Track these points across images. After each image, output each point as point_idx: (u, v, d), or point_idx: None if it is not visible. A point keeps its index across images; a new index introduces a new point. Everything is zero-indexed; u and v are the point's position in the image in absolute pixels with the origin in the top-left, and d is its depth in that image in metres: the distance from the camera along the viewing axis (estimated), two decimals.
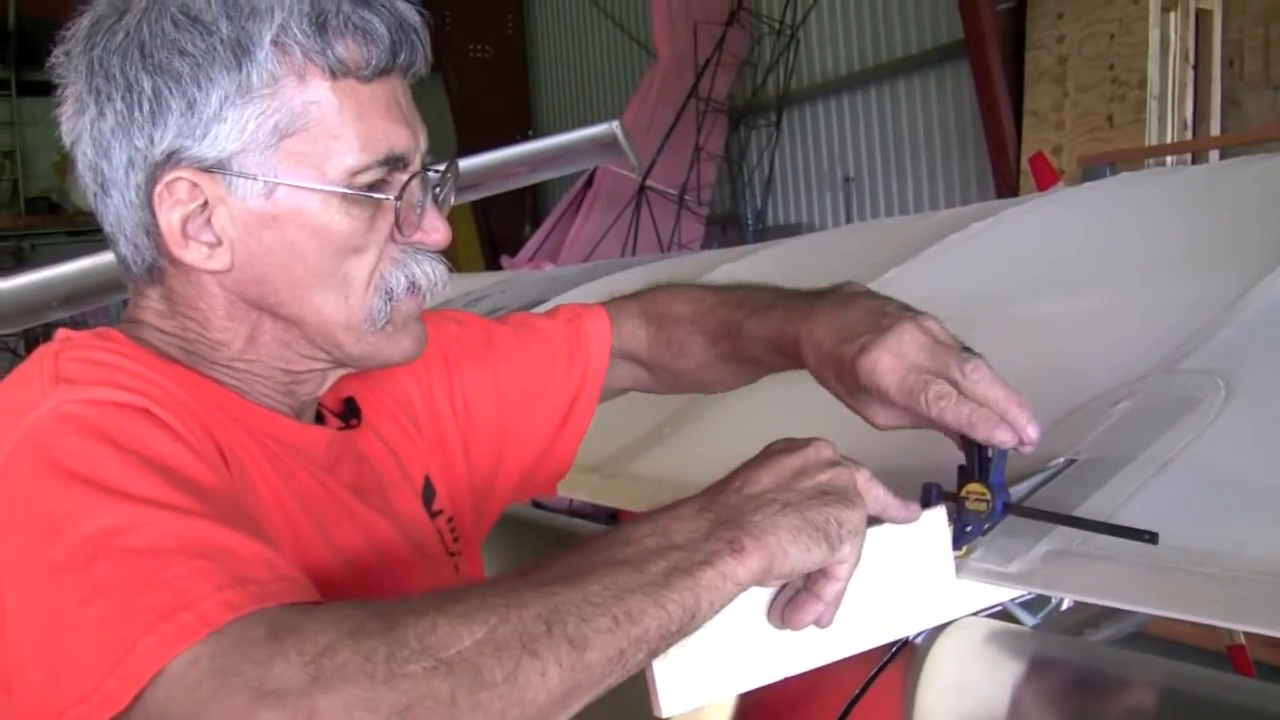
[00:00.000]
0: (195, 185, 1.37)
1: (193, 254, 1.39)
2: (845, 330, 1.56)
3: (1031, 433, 1.44)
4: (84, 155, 1.43)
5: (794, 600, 1.26)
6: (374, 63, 1.38)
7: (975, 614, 1.55)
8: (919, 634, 1.57)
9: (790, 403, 2.44)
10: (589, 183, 15.81)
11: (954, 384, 1.46)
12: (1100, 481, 1.53)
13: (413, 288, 1.46)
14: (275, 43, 1.34)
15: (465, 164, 9.38)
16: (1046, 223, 2.80)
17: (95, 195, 1.44)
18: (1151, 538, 1.34)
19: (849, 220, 14.56)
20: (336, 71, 1.36)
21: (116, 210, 1.42)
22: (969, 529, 1.52)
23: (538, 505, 3.91)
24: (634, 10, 18.48)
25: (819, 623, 1.27)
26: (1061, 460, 1.63)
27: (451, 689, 0.98)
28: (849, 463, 1.29)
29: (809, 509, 1.21)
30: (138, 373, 1.29)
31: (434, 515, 1.71)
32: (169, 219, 1.38)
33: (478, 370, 1.85)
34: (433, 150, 1.49)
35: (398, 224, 1.43)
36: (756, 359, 1.82)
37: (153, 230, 1.41)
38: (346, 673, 0.97)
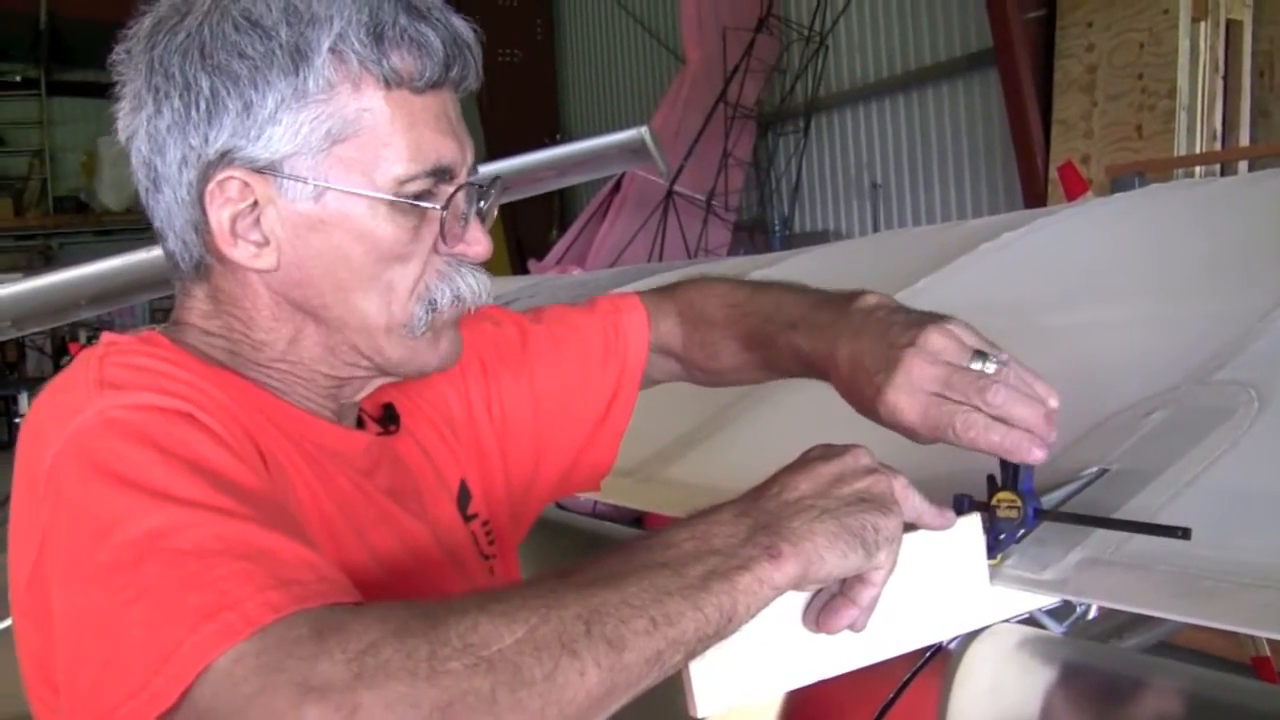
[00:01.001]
0: (246, 185, 1.39)
1: (240, 252, 1.41)
2: (859, 364, 1.60)
3: (1052, 436, 1.47)
4: (138, 151, 1.45)
5: (829, 605, 1.27)
6: (427, 75, 1.40)
7: (1005, 621, 1.57)
8: (953, 639, 1.59)
9: (824, 407, 2.45)
10: (616, 187, 15.82)
11: (977, 410, 1.47)
12: (1133, 491, 1.55)
13: (457, 300, 1.48)
14: (333, 50, 1.37)
15: (493, 167, 9.41)
16: (1078, 233, 2.81)
17: (147, 191, 1.46)
18: (1184, 534, 1.36)
19: (876, 227, 14.55)
20: (391, 82, 1.39)
21: (167, 206, 1.44)
22: (1002, 536, 1.54)
23: (560, 507, 3.93)
24: (663, 16, 18.50)
25: (853, 628, 1.28)
26: (1094, 470, 1.64)
27: (492, 686, 1.00)
28: (887, 470, 1.31)
29: (846, 515, 1.23)
30: (180, 377, 1.30)
31: (469, 519, 1.72)
32: (219, 216, 1.40)
33: (514, 375, 1.87)
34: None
35: (442, 235, 1.45)
36: (788, 370, 1.85)
37: (202, 227, 1.43)
38: (390, 669, 0.99)
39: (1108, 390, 1.88)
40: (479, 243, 1.48)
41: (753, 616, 1.17)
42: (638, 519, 6.56)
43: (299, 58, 1.36)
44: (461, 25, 1.46)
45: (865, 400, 1.58)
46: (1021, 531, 1.54)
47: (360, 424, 1.64)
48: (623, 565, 1.14)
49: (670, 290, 2.02)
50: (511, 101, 21.16)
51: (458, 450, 1.76)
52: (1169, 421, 1.69)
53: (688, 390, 2.93)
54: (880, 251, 3.97)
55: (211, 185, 1.40)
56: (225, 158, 1.39)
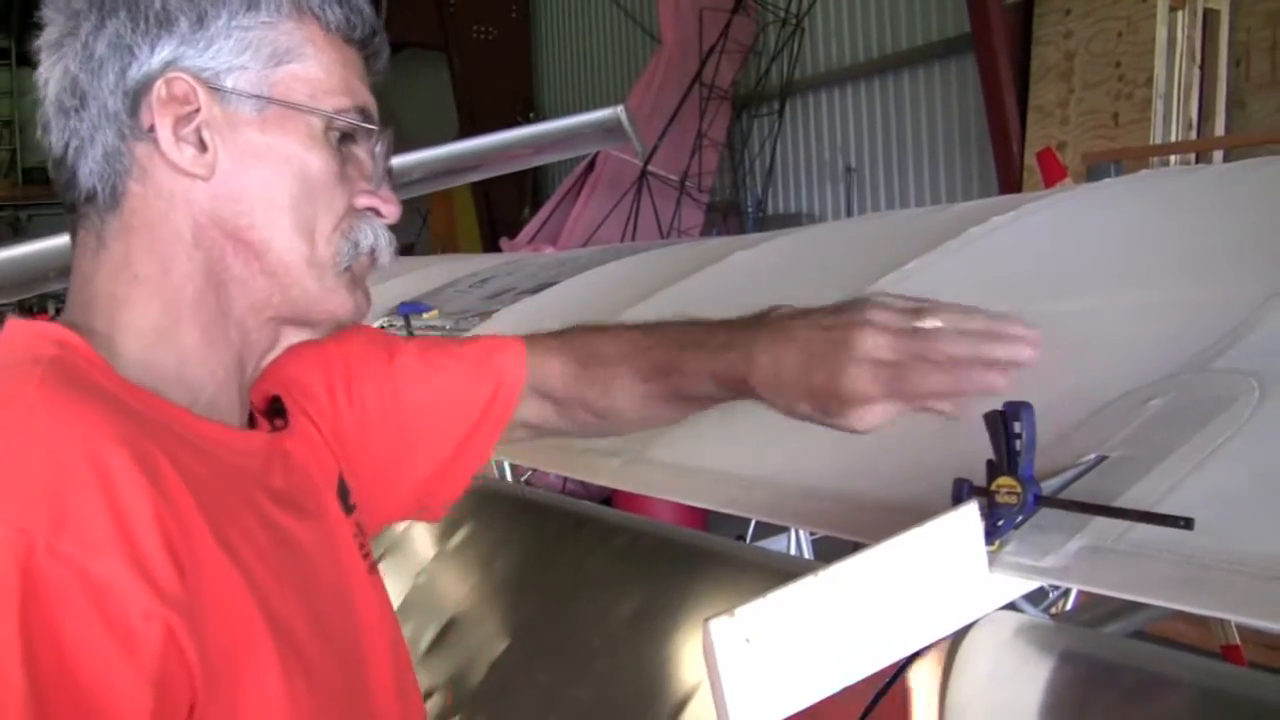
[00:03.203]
0: (192, 89, 1.41)
1: (181, 155, 1.41)
2: (803, 357, 1.61)
3: (1025, 353, 1.50)
4: (65, 72, 1.43)
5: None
6: (359, 31, 1.50)
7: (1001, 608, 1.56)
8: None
9: None
10: (590, 167, 15.83)
11: (926, 360, 1.52)
12: (1134, 478, 1.53)
13: (373, 250, 1.52)
14: None
15: (469, 145, 9.39)
16: (1067, 218, 2.80)
17: (65, 113, 1.43)
18: (1187, 524, 1.35)
19: (850, 211, 14.58)
20: (328, 25, 1.48)
21: (91, 125, 1.42)
22: (1000, 523, 1.52)
23: (528, 484, 3.92)
24: None
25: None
26: (1092, 457, 1.62)
27: None
28: None
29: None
30: (112, 468, 1.15)
31: (349, 510, 1.70)
32: (166, 117, 1.40)
33: (378, 382, 1.84)
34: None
35: (365, 176, 1.52)
36: (699, 395, 1.84)
37: (129, 136, 1.42)
38: None
39: (1104, 377, 1.86)
40: (392, 201, 1.54)
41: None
42: (607, 498, 6.55)
43: None
44: (379, 24, 1.56)
45: (819, 388, 1.60)
46: (1020, 519, 1.52)
47: (252, 422, 1.60)
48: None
49: (561, 332, 2.01)
50: (486, 79, 21.12)
51: (331, 443, 1.74)
52: (1168, 409, 1.67)
53: None
54: (865, 233, 3.95)
55: (159, 85, 1.40)
56: (169, 67, 1.41)
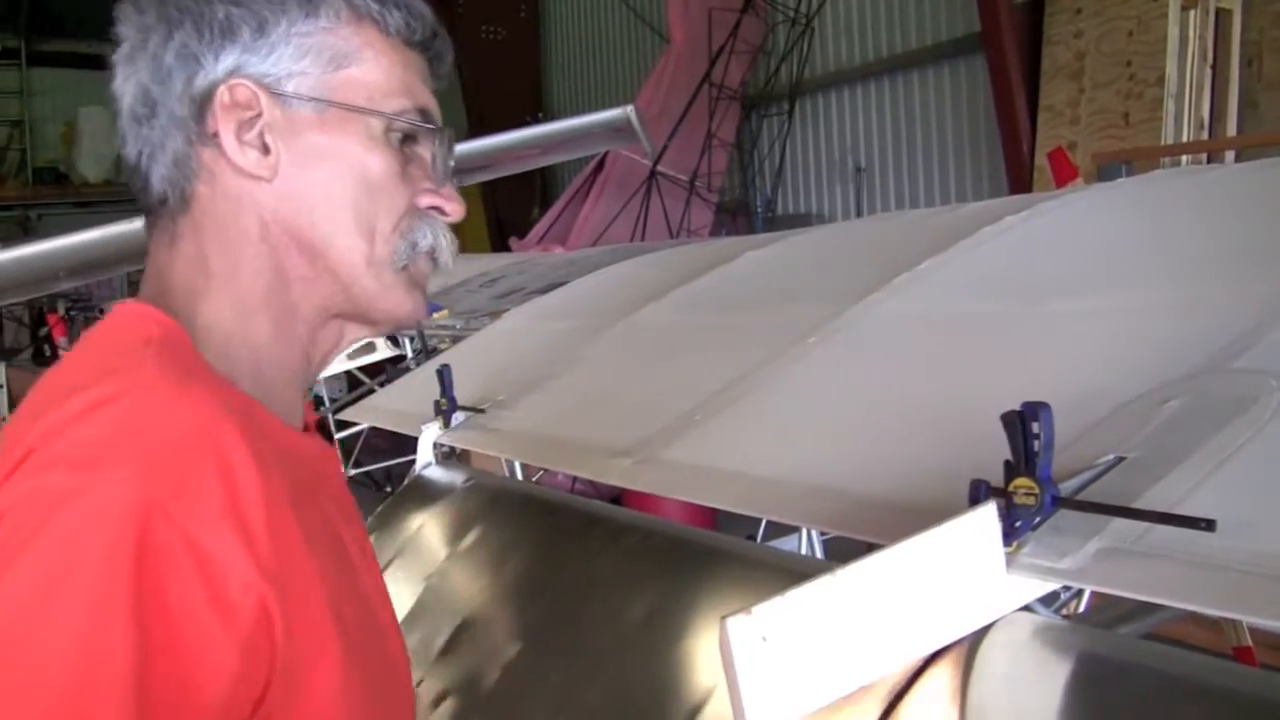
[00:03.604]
0: (255, 95, 1.43)
1: (245, 158, 1.43)
2: None
3: None
4: (138, 84, 1.47)
5: None
6: (417, 34, 1.52)
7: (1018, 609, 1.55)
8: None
9: (825, 389, 2.43)
10: (599, 167, 15.84)
11: None
12: (1153, 479, 1.52)
13: (433, 250, 1.53)
14: None
15: (478, 144, 9.39)
16: (1081, 217, 2.79)
17: (139, 121, 1.47)
18: (1208, 525, 1.34)
19: (859, 211, 14.58)
20: (387, 29, 1.49)
21: (161, 132, 1.46)
22: (1018, 524, 1.51)
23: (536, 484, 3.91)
24: None
25: None
26: (1110, 458, 1.61)
27: None
28: None
29: None
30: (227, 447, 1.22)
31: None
32: (230, 122, 1.43)
33: None
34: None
35: (427, 175, 1.53)
36: None
37: (195, 141, 1.45)
38: None
39: (1120, 377, 1.85)
40: (455, 200, 1.54)
41: None
42: (616, 498, 6.55)
43: None
44: (441, 28, 1.58)
45: None
46: (1038, 520, 1.51)
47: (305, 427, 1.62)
48: None
49: None
50: (494, 79, 21.14)
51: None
52: (1187, 410, 1.66)
53: (683, 370, 2.91)
54: (877, 233, 3.94)
55: (221, 90, 1.43)
56: (233, 74, 1.43)
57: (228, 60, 1.43)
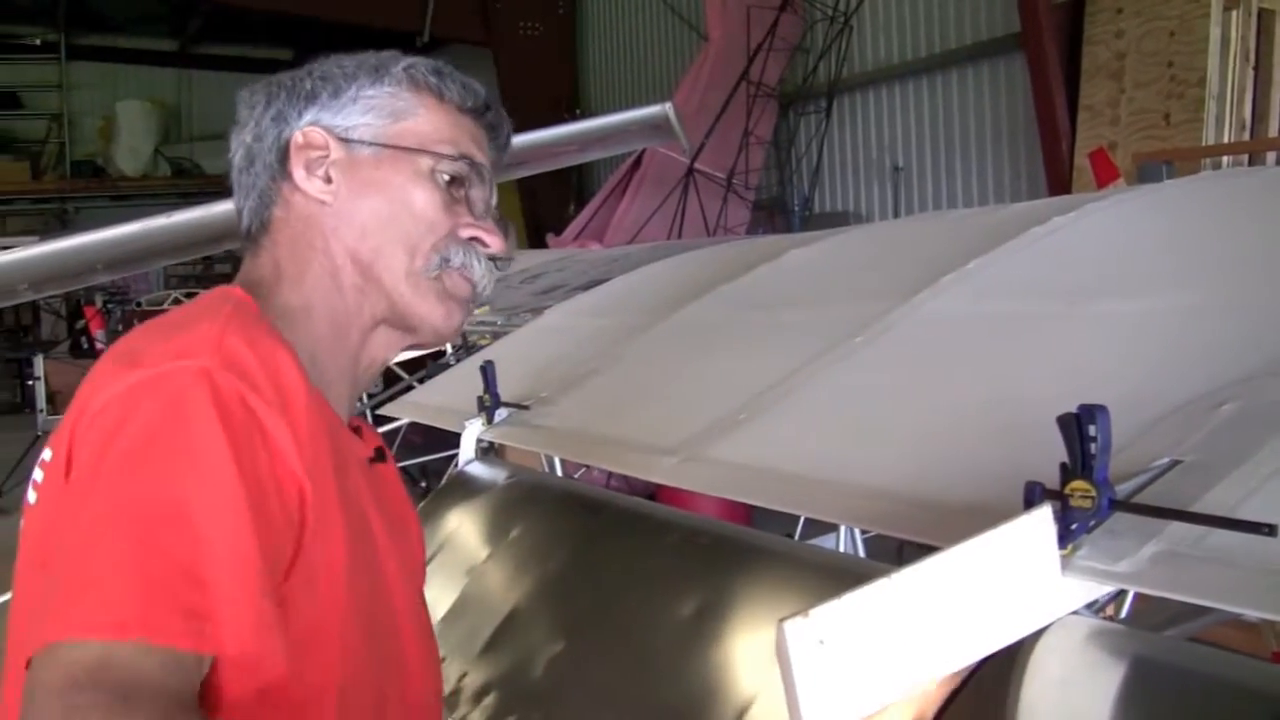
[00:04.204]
0: (325, 139, 1.77)
1: (312, 186, 1.76)
2: None
3: None
4: (243, 144, 1.83)
5: None
6: (468, 103, 1.84)
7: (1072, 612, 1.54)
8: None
9: (869, 389, 2.43)
10: (636, 164, 15.82)
11: None
12: (1210, 483, 1.51)
13: (465, 267, 1.78)
14: (407, 70, 1.82)
15: (516, 140, 9.36)
16: (1130, 218, 2.77)
17: (240, 171, 1.83)
18: (1270, 530, 1.33)
19: (897, 210, 14.53)
20: (442, 96, 1.82)
21: (255, 174, 1.81)
22: (1074, 527, 1.50)
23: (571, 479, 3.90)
24: None
25: None
26: (1165, 461, 1.60)
27: None
28: None
29: None
30: (279, 365, 1.55)
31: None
32: (300, 159, 1.77)
33: None
34: None
35: (471, 212, 1.80)
36: None
37: (278, 179, 1.79)
38: None
39: (1173, 380, 1.85)
40: (495, 233, 1.81)
41: None
42: (650, 494, 6.54)
43: (380, 68, 1.82)
44: (496, 101, 1.90)
45: None
46: (1093, 523, 1.50)
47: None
48: None
49: None
50: (531, 74, 21.16)
51: (416, 533, 1.99)
52: (1243, 413, 1.65)
53: (727, 368, 2.90)
54: (922, 233, 3.92)
55: (297, 135, 1.78)
56: (310, 125, 1.78)
57: (308, 116, 1.78)
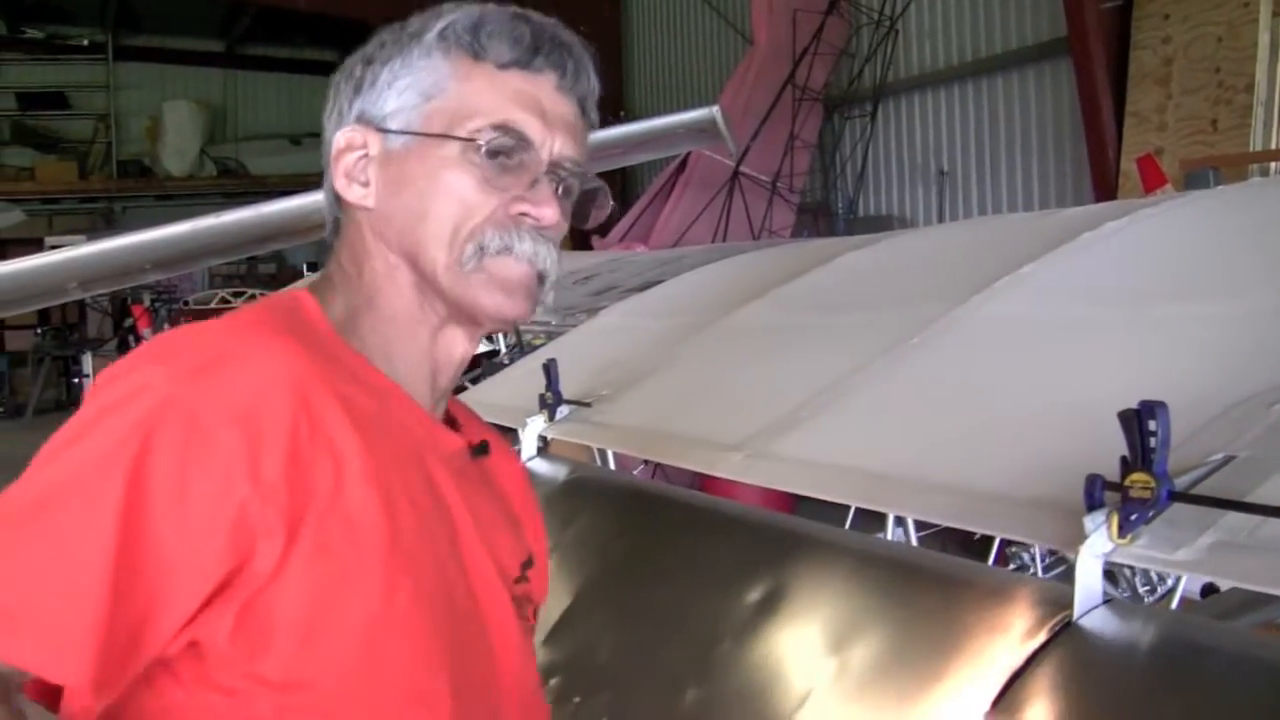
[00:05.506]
0: (363, 136, 1.65)
1: (353, 192, 1.66)
2: None
3: None
4: (325, 143, 1.71)
5: None
6: (510, 55, 1.63)
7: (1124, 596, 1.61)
8: (1082, 613, 1.64)
9: (929, 386, 2.50)
10: (681, 166, 15.85)
11: None
12: (1263, 477, 1.58)
13: (506, 250, 1.61)
14: (440, 33, 1.63)
15: None
16: (1182, 224, 2.83)
17: (326, 174, 1.72)
18: None
19: (942, 214, 14.53)
20: (478, 55, 1.63)
21: (328, 176, 1.70)
22: (1133, 517, 1.57)
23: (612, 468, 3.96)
24: None
25: None
26: (1220, 456, 1.67)
27: None
28: None
29: None
30: (262, 361, 1.46)
31: (520, 580, 1.77)
32: (340, 166, 1.66)
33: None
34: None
35: (519, 184, 1.62)
36: None
37: (333, 184, 1.69)
38: None
39: (1227, 380, 1.91)
40: (543, 205, 1.61)
41: None
42: (694, 483, 6.58)
43: (414, 38, 1.64)
44: (567, 34, 1.69)
45: None
46: (1152, 513, 1.57)
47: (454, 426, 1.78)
48: None
49: None
50: None
51: (528, 531, 1.86)
52: None
53: (786, 368, 2.97)
54: (974, 237, 3.99)
55: (338, 137, 1.66)
56: (357, 119, 1.66)
57: (355, 109, 1.66)
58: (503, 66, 1.63)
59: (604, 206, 1.73)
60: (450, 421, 1.77)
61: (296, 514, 1.41)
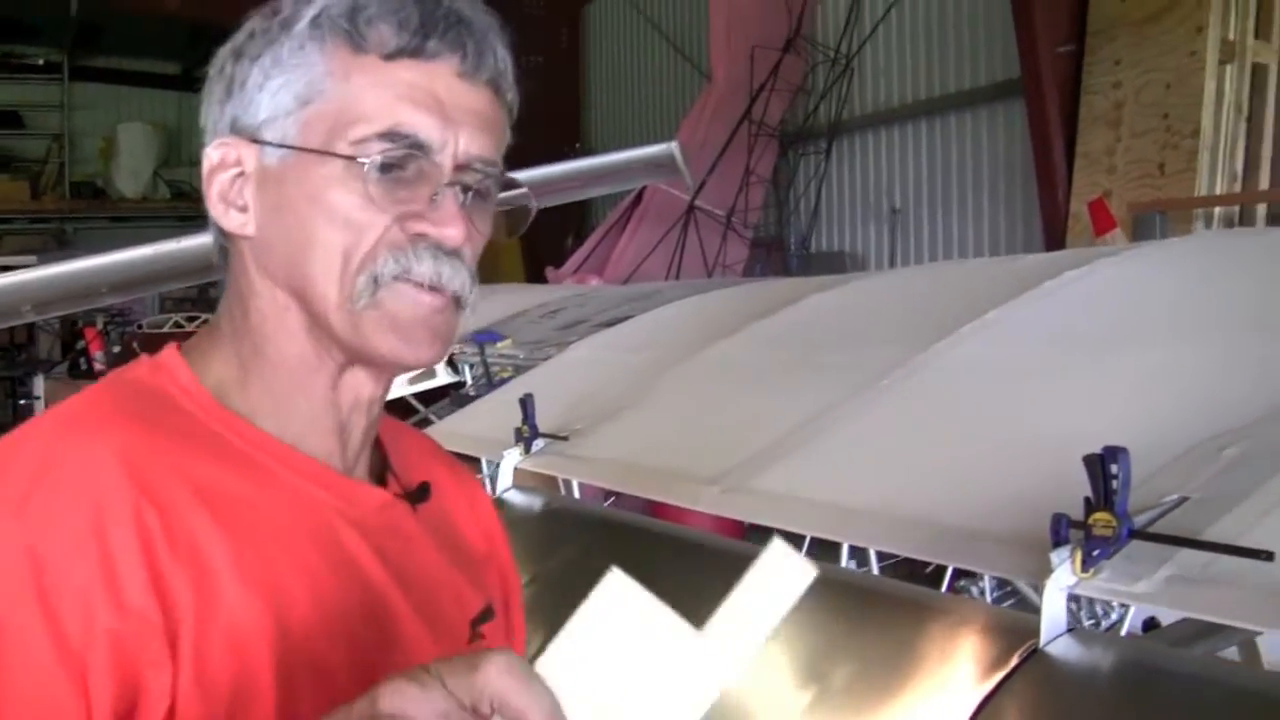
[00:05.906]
0: (237, 151, 1.38)
1: (230, 219, 1.39)
2: None
3: None
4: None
5: None
6: (395, 43, 1.35)
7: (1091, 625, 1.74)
8: (1048, 640, 1.76)
9: (909, 421, 2.62)
10: (638, 200, 15.96)
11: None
12: (1216, 516, 1.71)
13: (404, 275, 1.34)
14: (313, 22, 1.35)
15: (525, 176, 9.48)
16: (1141, 274, 2.97)
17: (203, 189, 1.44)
18: (1268, 556, 1.53)
19: (893, 251, 14.68)
20: (358, 47, 1.35)
21: (207, 196, 1.42)
22: (1096, 553, 1.71)
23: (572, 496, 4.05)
24: (691, 32, 18.63)
25: None
26: (1175, 497, 1.81)
27: None
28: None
29: None
30: (93, 471, 1.25)
31: (474, 638, 1.52)
32: (215, 185, 1.39)
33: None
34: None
35: (417, 199, 1.35)
36: None
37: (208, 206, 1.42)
38: None
39: (1181, 424, 2.04)
40: (446, 224, 1.34)
41: None
42: (646, 509, 6.66)
43: (284, 29, 1.36)
44: (469, 9, 1.41)
45: None
46: (1113, 550, 1.71)
47: (383, 482, 1.53)
48: None
49: None
50: (532, 108, 21.11)
51: (489, 574, 1.61)
52: (1246, 455, 1.85)
53: (760, 405, 3.09)
54: (939, 281, 4.12)
55: (209, 152, 1.39)
56: (231, 130, 1.39)
57: (227, 117, 1.40)
58: (388, 57, 1.34)
59: (526, 216, 1.49)
60: (382, 467, 1.52)
61: (173, 636, 1.20)
